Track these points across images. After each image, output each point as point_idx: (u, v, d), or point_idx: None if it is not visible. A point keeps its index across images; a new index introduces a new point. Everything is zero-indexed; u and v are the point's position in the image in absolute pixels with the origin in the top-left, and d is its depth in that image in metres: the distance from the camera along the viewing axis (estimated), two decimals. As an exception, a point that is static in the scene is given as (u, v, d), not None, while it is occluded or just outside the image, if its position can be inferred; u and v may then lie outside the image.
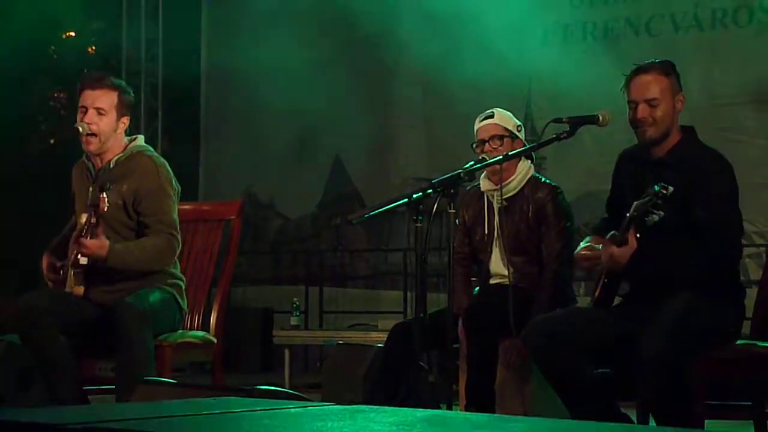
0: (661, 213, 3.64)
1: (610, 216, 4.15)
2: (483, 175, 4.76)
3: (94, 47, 12.60)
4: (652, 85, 3.93)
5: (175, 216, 4.59)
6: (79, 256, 4.40)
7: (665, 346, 3.61)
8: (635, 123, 3.95)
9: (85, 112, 4.55)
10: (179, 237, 4.59)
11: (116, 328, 4.27)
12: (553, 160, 8.22)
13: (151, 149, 4.75)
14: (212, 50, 10.82)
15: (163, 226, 4.50)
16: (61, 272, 4.62)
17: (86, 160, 4.70)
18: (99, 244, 4.33)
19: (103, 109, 4.54)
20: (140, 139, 4.73)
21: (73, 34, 12.50)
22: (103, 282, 4.50)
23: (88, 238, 4.32)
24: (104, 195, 4.26)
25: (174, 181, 4.63)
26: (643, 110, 3.92)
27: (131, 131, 4.76)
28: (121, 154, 4.60)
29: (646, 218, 3.68)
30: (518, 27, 9.17)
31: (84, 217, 4.46)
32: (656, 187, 3.63)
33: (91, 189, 4.60)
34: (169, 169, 4.63)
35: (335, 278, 10.03)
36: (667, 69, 3.97)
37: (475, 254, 4.83)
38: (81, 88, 4.62)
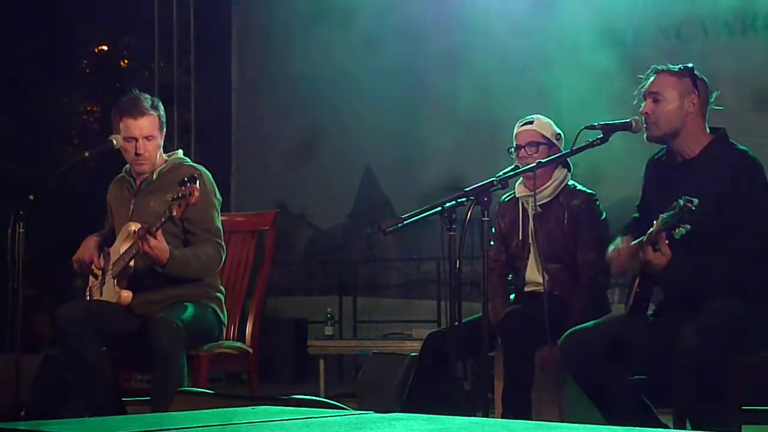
0: (688, 226, 3.63)
1: (641, 216, 4.14)
2: (519, 181, 4.77)
3: (126, 61, 12.69)
4: (659, 82, 3.97)
5: (220, 225, 4.64)
6: (131, 263, 4.46)
7: (703, 350, 3.59)
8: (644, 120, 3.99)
9: (135, 142, 4.61)
10: (224, 245, 4.64)
11: (151, 343, 4.30)
12: (583, 168, 8.20)
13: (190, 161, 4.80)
14: (243, 62, 10.88)
15: (210, 235, 4.55)
16: (96, 276, 4.66)
17: (126, 175, 4.75)
18: (162, 248, 4.34)
19: (151, 136, 4.63)
20: (180, 153, 4.81)
21: (105, 48, 12.59)
22: (146, 293, 4.53)
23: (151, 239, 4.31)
24: (196, 185, 4.20)
25: (217, 192, 4.69)
26: (647, 106, 3.97)
27: (166, 142, 4.81)
28: (163, 166, 4.67)
29: (673, 231, 3.67)
30: (548, 35, 9.16)
31: (133, 226, 4.50)
32: (681, 201, 3.61)
33: (132, 203, 4.65)
34: (212, 179, 4.68)
35: (368, 288, 10.03)
36: (681, 71, 3.98)
37: (512, 262, 4.83)
38: (119, 118, 4.65)
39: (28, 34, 10.82)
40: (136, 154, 4.61)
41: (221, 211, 4.73)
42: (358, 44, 10.11)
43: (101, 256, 4.68)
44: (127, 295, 4.49)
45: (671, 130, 3.94)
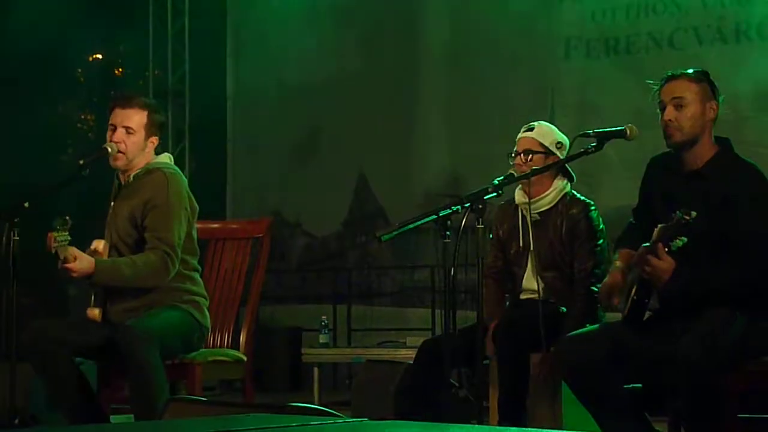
0: (685, 239, 3.63)
1: (637, 222, 4.14)
2: (518, 187, 4.76)
3: (121, 69, 12.69)
4: (680, 87, 3.91)
5: (178, 235, 4.50)
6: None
7: (702, 357, 3.59)
8: (663, 126, 3.93)
9: (114, 130, 4.59)
10: (176, 256, 4.49)
11: (122, 351, 4.28)
12: (578, 175, 8.21)
13: (172, 166, 4.69)
14: (238, 70, 10.88)
15: (160, 243, 4.45)
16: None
17: (116, 176, 4.73)
18: (85, 265, 4.32)
19: (131, 128, 4.57)
20: (163, 156, 4.71)
21: (100, 56, 12.58)
22: (121, 302, 4.51)
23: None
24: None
25: (188, 199, 4.58)
26: (669, 112, 3.89)
27: (160, 150, 4.78)
28: (140, 170, 4.61)
29: (671, 243, 3.67)
30: (541, 42, 9.19)
31: (94, 244, 4.49)
32: (678, 213, 3.60)
33: (112, 206, 4.64)
34: (182, 186, 4.59)
35: (362, 296, 10.03)
36: (699, 76, 3.94)
37: (509, 269, 4.83)
38: (111, 106, 4.65)
39: (22, 42, 10.81)
40: (111, 142, 4.54)
41: (209, 218, 4.68)
42: (352, 51, 10.13)
43: None
44: (93, 313, 4.48)
45: (694, 136, 3.89)
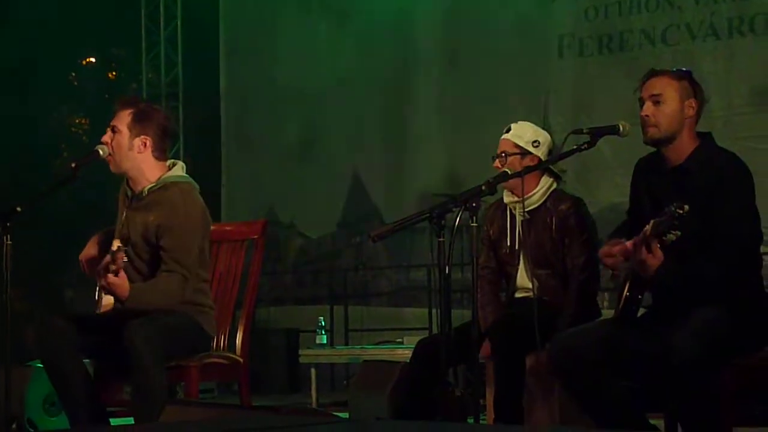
0: (678, 233, 3.63)
1: (631, 220, 4.15)
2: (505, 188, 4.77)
3: (114, 72, 12.70)
4: (659, 84, 3.94)
5: (194, 255, 4.50)
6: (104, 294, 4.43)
7: (696, 352, 3.60)
8: (641, 122, 3.95)
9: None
10: (191, 277, 4.49)
11: (128, 352, 4.26)
12: (573, 173, 8.22)
13: (186, 179, 4.64)
14: (231, 72, 10.89)
15: (177, 266, 4.43)
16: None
17: (125, 184, 4.71)
18: (121, 284, 4.29)
19: (116, 127, 4.55)
20: (177, 168, 4.64)
21: (93, 60, 12.59)
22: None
23: (113, 275, 4.27)
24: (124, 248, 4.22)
25: (203, 214, 4.55)
26: (647, 108, 3.92)
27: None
28: (154, 184, 4.56)
29: (664, 237, 3.67)
30: (534, 41, 9.20)
31: (115, 245, 4.45)
32: (672, 207, 3.61)
33: (124, 214, 4.63)
34: (197, 203, 4.55)
35: (358, 296, 10.04)
36: (680, 74, 3.98)
37: (502, 268, 4.83)
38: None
39: (15, 47, 10.81)
40: (101, 144, 4.54)
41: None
42: (346, 52, 10.14)
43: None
44: (108, 299, 4.46)
45: (671, 133, 3.91)
